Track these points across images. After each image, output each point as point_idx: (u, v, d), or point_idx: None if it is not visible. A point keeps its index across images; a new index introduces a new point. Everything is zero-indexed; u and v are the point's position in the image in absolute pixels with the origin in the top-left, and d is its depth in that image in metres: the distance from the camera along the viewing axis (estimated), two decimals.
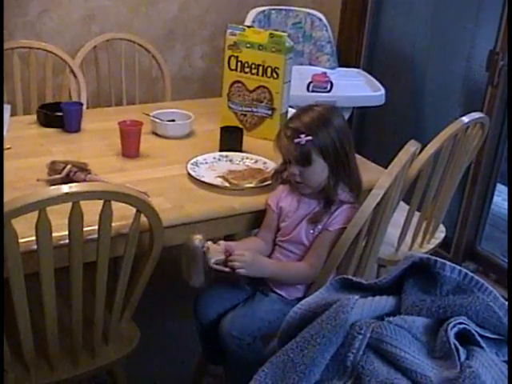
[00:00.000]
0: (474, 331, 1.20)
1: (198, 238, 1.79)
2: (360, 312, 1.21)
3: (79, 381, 1.88)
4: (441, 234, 2.66)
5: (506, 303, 1.23)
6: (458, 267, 1.24)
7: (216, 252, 1.82)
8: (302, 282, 1.94)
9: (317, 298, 1.29)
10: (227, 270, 1.82)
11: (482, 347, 1.19)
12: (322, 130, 1.84)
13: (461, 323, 1.20)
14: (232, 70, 2.51)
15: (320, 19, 3.63)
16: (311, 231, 1.92)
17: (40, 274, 1.56)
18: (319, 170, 1.87)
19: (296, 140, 1.83)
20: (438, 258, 1.24)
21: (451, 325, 1.18)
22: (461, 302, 1.21)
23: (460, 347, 1.17)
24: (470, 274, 1.23)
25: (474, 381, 1.09)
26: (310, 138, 1.82)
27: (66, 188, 1.48)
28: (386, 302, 1.26)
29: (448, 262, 1.25)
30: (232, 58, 2.49)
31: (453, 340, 1.16)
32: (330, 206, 1.90)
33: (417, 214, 2.43)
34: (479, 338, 1.20)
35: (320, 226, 1.91)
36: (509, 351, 1.21)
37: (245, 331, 1.87)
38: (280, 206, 1.97)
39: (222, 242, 1.87)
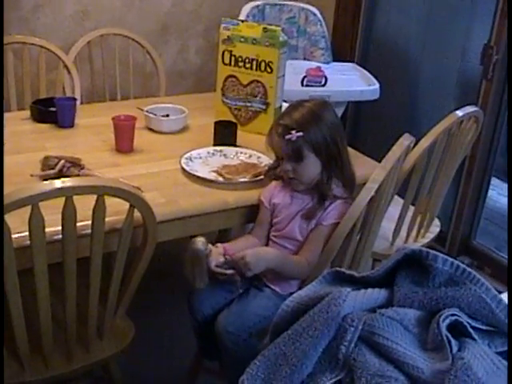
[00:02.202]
0: (466, 323, 1.20)
1: (200, 241, 1.80)
2: (352, 304, 1.21)
3: (74, 377, 1.89)
4: (436, 228, 2.66)
5: (498, 295, 1.23)
6: (450, 259, 1.25)
7: (216, 255, 1.84)
8: (299, 277, 1.93)
9: (309, 290, 1.30)
10: (228, 272, 1.83)
11: (474, 339, 1.19)
12: (312, 125, 1.84)
13: (453, 315, 1.20)
14: (226, 64, 2.51)
15: (314, 14, 3.62)
16: (305, 226, 1.92)
17: (33, 269, 1.56)
18: (312, 166, 1.87)
19: (287, 136, 1.83)
20: (430, 250, 1.25)
21: (443, 317, 1.19)
22: (453, 293, 1.22)
23: (452, 339, 1.17)
24: (462, 265, 1.24)
25: (466, 372, 1.09)
26: (300, 133, 1.82)
27: (58, 183, 1.48)
28: (378, 294, 1.27)
29: (440, 254, 1.25)
30: (226, 52, 2.49)
31: (445, 332, 1.17)
32: (324, 201, 1.90)
33: (411, 207, 2.43)
34: (471, 330, 1.20)
35: (314, 221, 1.91)
36: (509, 351, 1.21)
37: (240, 327, 1.87)
38: (273, 202, 1.97)
39: (219, 245, 1.88)
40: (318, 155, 1.86)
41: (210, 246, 1.82)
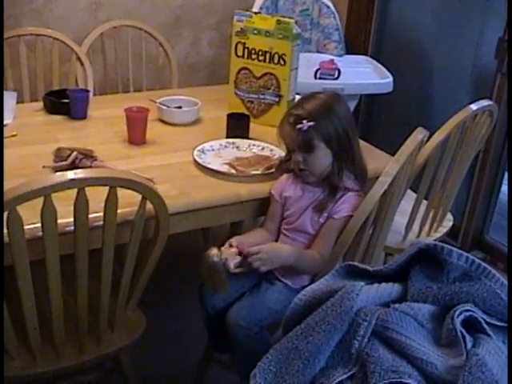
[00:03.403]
0: (480, 319, 1.19)
1: (214, 254, 1.79)
2: (365, 299, 1.20)
3: (85, 368, 1.89)
4: (448, 222, 2.65)
5: None
6: (465, 254, 1.23)
7: (233, 256, 1.82)
8: (312, 271, 1.93)
9: (322, 284, 1.29)
10: (247, 270, 1.83)
11: (488, 335, 1.18)
12: (324, 116, 1.84)
13: (467, 310, 1.19)
14: (239, 56, 2.50)
15: (328, 6, 3.60)
16: (316, 219, 1.91)
17: (46, 260, 1.56)
18: (323, 157, 1.86)
19: (298, 126, 1.83)
20: (445, 245, 1.24)
21: (458, 312, 1.18)
22: (468, 289, 1.21)
23: (466, 335, 1.16)
24: (477, 260, 1.22)
25: (480, 369, 1.08)
26: (311, 123, 1.82)
27: (71, 174, 1.47)
28: (391, 288, 1.26)
29: (455, 249, 1.24)
30: (239, 44, 2.48)
31: (459, 327, 1.15)
32: (335, 193, 1.89)
33: (424, 202, 2.41)
34: (486, 326, 1.19)
35: (325, 214, 1.90)
36: (509, 350, 1.20)
37: (252, 321, 1.87)
38: (284, 195, 1.96)
39: (233, 242, 1.86)
40: (329, 146, 1.85)
41: (223, 253, 1.81)
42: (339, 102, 1.90)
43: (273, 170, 2.05)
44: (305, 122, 1.82)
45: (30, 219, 1.53)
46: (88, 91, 2.56)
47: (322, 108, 1.86)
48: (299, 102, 1.94)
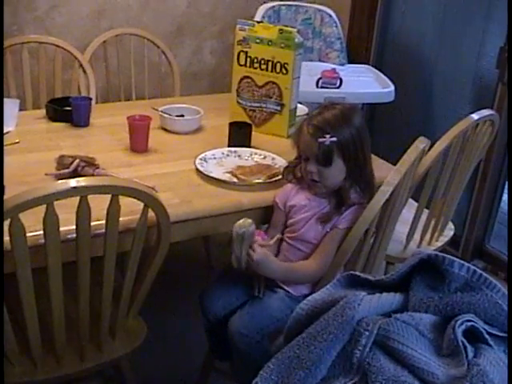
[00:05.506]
0: (482, 329, 1.19)
1: (249, 223, 1.80)
2: (367, 308, 1.21)
3: (86, 376, 1.89)
4: (450, 231, 2.65)
5: None
6: (467, 264, 1.24)
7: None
8: (310, 282, 1.93)
9: (323, 294, 1.29)
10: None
11: (490, 345, 1.18)
12: (344, 129, 1.83)
13: (469, 321, 1.19)
14: (241, 65, 2.51)
15: (330, 15, 3.62)
16: (320, 230, 1.91)
17: (47, 268, 1.56)
18: (337, 172, 1.86)
19: (320, 140, 1.81)
20: (447, 255, 1.24)
21: (459, 322, 1.18)
22: (469, 299, 1.21)
23: (468, 345, 1.16)
24: (479, 271, 1.23)
25: (481, 379, 1.08)
26: (334, 139, 1.81)
27: (73, 182, 1.48)
28: (393, 298, 1.26)
29: (456, 259, 1.24)
30: (241, 53, 2.49)
31: (460, 338, 1.16)
32: (341, 206, 1.89)
33: (426, 211, 2.42)
34: (487, 336, 1.19)
35: (329, 225, 1.90)
36: (509, 350, 1.20)
37: (253, 329, 1.86)
38: (289, 204, 1.96)
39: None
40: (346, 161, 1.85)
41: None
42: (357, 114, 1.90)
43: (275, 178, 2.05)
44: (327, 136, 1.81)
45: (33, 227, 1.53)
46: (90, 99, 2.57)
47: (343, 120, 1.85)
48: (319, 111, 1.91)
